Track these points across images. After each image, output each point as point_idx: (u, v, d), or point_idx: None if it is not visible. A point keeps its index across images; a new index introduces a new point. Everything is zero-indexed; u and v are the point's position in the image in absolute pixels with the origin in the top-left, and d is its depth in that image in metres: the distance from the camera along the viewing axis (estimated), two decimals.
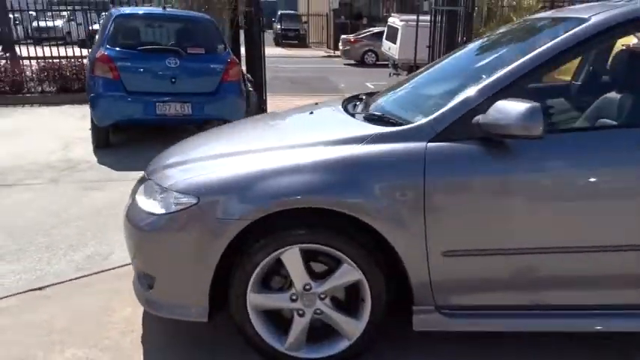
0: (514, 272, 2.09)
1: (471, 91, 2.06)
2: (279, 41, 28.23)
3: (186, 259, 2.13)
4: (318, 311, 2.16)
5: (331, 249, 2.07)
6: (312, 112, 2.73)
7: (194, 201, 2.09)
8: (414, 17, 10.17)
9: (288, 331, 2.18)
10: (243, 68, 9.33)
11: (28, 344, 2.41)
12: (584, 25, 2.07)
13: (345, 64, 19.32)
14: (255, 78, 8.33)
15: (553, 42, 2.06)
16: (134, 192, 2.45)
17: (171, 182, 2.21)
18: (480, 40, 2.98)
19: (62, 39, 15.74)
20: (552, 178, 2.01)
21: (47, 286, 2.96)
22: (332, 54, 24.48)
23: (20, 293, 2.87)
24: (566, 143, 2.03)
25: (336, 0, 25.09)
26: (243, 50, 8.64)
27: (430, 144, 2.01)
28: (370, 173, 2.01)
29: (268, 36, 31.00)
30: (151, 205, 2.23)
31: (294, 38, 28.03)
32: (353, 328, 2.16)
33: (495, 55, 2.55)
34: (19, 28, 20.88)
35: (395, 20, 14.26)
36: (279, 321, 2.23)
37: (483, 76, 2.13)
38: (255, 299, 2.16)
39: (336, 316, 2.16)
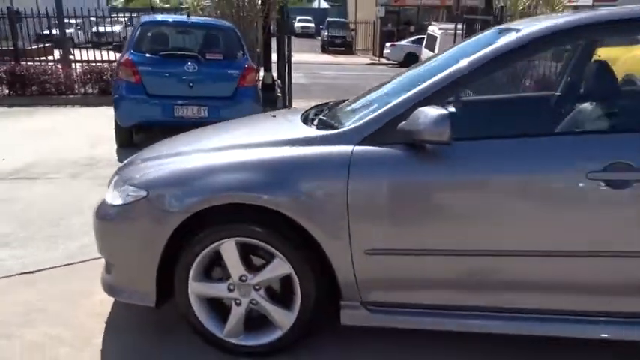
0: (435, 272, 2.18)
1: (398, 100, 2.17)
2: (325, 48, 28.54)
3: (136, 247, 2.33)
4: (253, 301, 2.32)
5: (264, 244, 2.22)
6: (274, 116, 2.90)
7: (144, 194, 2.29)
8: (452, 26, 10.24)
9: (227, 318, 2.34)
10: (274, 74, 9.62)
11: (6, 321, 2.67)
12: (507, 39, 2.15)
13: (388, 67, 19.46)
14: (284, 83, 8.58)
15: (476, 55, 2.14)
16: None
17: (129, 177, 2.43)
18: (446, 51, 3.06)
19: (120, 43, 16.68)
20: (468, 182, 2.09)
21: (38, 270, 3.24)
22: (376, 61, 24.58)
23: (12, 275, 3.16)
24: (484, 150, 2.10)
25: (383, 8, 25.19)
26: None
27: (357, 147, 2.13)
28: (298, 173, 2.15)
29: (316, 43, 31.47)
30: (112, 197, 2.45)
31: (340, 45, 28.29)
32: (285, 318, 2.30)
33: (444, 65, 2.64)
34: (81, 32, 22.19)
35: (434, 29, 14.32)
36: (222, 309, 2.39)
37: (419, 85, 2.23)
38: (196, 287, 2.33)
39: (270, 307, 2.31)
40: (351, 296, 2.25)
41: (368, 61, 24.92)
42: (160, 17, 6.93)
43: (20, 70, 9.45)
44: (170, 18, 6.92)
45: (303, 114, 2.76)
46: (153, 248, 2.27)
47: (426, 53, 14.71)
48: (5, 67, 9.50)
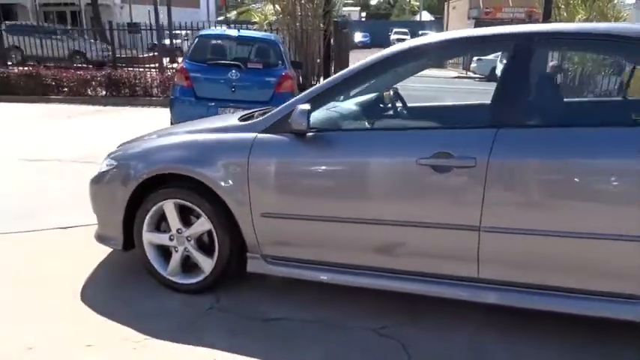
0: (312, 234, 2.77)
1: (290, 101, 2.81)
2: None
3: (109, 204, 3.15)
4: (186, 250, 3.04)
5: (193, 205, 2.94)
6: (233, 112, 3.62)
7: (115, 164, 3.12)
8: None
9: (169, 262, 3.09)
10: None
11: (37, 255, 3.59)
12: (384, 52, 2.72)
13: (475, 81, 19.49)
14: None
15: (348, 68, 2.74)
16: None
17: (111, 153, 3.26)
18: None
19: None
20: (330, 162, 2.68)
21: (71, 227, 4.17)
22: (463, 75, 24.50)
23: (55, 229, 4.10)
24: (343, 138, 2.69)
25: (473, 21, 25.09)
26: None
27: (259, 135, 2.80)
28: (214, 152, 2.86)
29: None
30: (99, 168, 3.29)
31: None
32: (207, 264, 3.00)
33: None
34: (186, 43, 24.44)
35: None
36: (166, 255, 3.14)
37: None
38: (148, 237, 3.10)
39: (197, 255, 3.02)
40: (253, 250, 2.90)
41: (455, 74, 24.91)
42: (214, 31, 7.92)
43: (115, 75, 10.96)
44: (222, 32, 7.88)
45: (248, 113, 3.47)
46: (119, 205, 3.07)
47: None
48: (103, 73, 11.07)
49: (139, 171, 3.01)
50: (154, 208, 3.03)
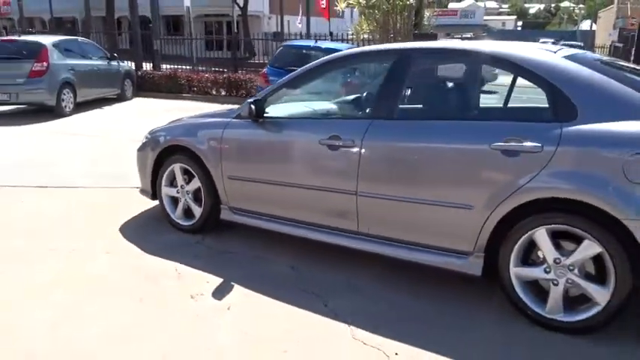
0: (261, 194, 3.81)
1: (252, 98, 3.88)
2: None
3: (144, 165, 4.47)
4: (186, 200, 4.24)
5: (190, 169, 4.13)
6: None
7: (149, 137, 4.44)
8: None
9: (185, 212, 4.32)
10: None
11: (85, 202, 5.07)
12: (313, 62, 3.69)
13: None
14: None
15: (297, 70, 3.74)
16: None
17: (150, 130, 4.59)
18: None
19: None
20: (273, 140, 3.68)
21: (120, 187, 5.62)
22: None
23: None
24: (283, 124, 3.69)
25: (616, 32, 23.67)
26: None
27: (232, 120, 3.92)
28: (203, 130, 4.03)
29: None
30: (142, 139, 4.63)
31: None
32: (197, 212, 4.17)
33: None
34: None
35: None
36: (176, 204, 4.36)
37: None
38: (164, 190, 4.34)
39: (192, 204, 4.20)
40: (224, 203, 4.02)
41: None
42: (295, 42, 9.14)
43: (233, 78, 12.76)
44: (302, 42, 9.08)
45: None
46: (149, 166, 4.38)
47: None
48: (224, 76, 12.95)
49: (159, 143, 4.29)
50: (169, 169, 4.28)
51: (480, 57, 3.23)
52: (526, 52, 3.00)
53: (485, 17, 72.52)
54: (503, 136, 2.82)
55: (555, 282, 2.76)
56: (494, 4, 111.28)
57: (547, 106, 2.85)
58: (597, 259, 2.66)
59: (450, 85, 3.60)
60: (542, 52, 3.01)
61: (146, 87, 13.41)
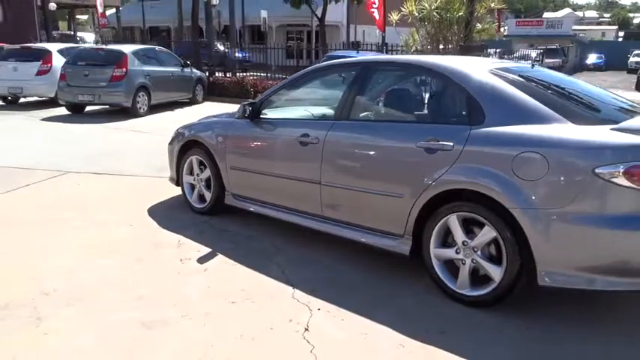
0: (257, 183, 4.49)
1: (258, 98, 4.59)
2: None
3: (171, 156, 5.32)
4: (200, 187, 5.03)
5: (203, 160, 4.91)
6: None
7: (176, 132, 5.28)
8: None
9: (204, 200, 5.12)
10: None
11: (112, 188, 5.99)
12: (300, 72, 4.35)
13: None
14: None
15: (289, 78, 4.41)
16: None
17: (179, 127, 5.44)
18: None
19: None
20: (266, 137, 4.35)
21: (160, 177, 6.51)
22: None
23: (112, 174, 6.50)
24: (274, 123, 4.35)
25: None
26: None
27: (235, 119, 4.66)
28: (213, 129, 4.80)
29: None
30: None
31: None
32: (208, 197, 4.94)
33: None
34: None
35: None
36: (193, 189, 5.16)
37: None
38: (185, 178, 5.16)
39: (204, 190, 4.98)
40: (228, 190, 4.75)
41: None
42: (338, 52, 9.78)
43: None
44: (344, 53, 9.71)
45: None
46: (175, 157, 5.21)
47: None
48: None
49: (182, 138, 5.11)
50: (188, 160, 5.08)
51: (414, 68, 3.76)
52: (453, 65, 3.50)
53: (581, 27, 69.34)
54: (426, 136, 3.34)
55: (463, 261, 3.23)
56: (593, 14, 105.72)
57: (463, 111, 3.34)
58: (496, 243, 3.11)
59: (392, 91, 4.13)
60: (468, 65, 3.49)
61: (216, 92, 14.59)
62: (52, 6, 18.58)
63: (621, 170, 2.69)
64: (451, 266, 3.36)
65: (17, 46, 13.15)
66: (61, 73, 11.35)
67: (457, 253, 3.25)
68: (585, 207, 2.81)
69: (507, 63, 3.87)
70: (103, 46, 12.35)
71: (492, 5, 11.82)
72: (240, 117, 4.58)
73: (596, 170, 2.74)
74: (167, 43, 27.40)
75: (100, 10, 20.28)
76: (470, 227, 3.23)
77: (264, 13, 20.30)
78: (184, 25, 34.19)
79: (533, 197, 2.91)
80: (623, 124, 2.88)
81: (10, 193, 5.70)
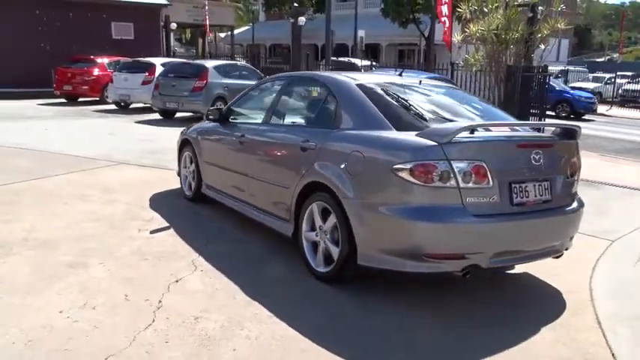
0: (225, 177, 5.39)
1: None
2: None
3: (177, 151, 6.43)
4: (188, 178, 6.06)
5: (192, 156, 5.93)
6: None
7: (180, 132, 6.39)
8: None
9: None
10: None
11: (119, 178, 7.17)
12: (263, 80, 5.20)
13: None
14: None
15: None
16: None
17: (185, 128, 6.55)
18: None
19: None
20: (232, 137, 5.22)
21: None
22: None
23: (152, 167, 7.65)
24: (239, 125, 5.21)
25: None
26: None
27: (207, 123, 5.62)
28: (197, 130, 5.82)
29: None
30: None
31: None
32: (194, 187, 5.95)
33: None
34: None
35: None
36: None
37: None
38: (182, 171, 6.23)
39: (191, 181, 6.01)
40: (203, 180, 5.71)
41: None
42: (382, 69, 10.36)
43: None
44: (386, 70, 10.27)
45: None
46: (179, 150, 6.31)
47: None
48: None
49: (181, 136, 6.19)
50: (184, 155, 6.15)
51: (312, 81, 4.44)
52: (336, 78, 4.17)
53: None
54: (304, 137, 4.04)
55: (319, 243, 3.87)
56: None
57: (332, 117, 3.99)
58: (337, 228, 3.71)
59: (293, 99, 4.80)
60: (343, 78, 4.13)
61: None
62: (173, 25, 21.28)
63: (407, 167, 3.21)
64: (316, 247, 4.00)
65: (130, 60, 15.43)
66: (155, 83, 13.20)
67: (317, 236, 3.89)
68: (387, 199, 3.35)
69: (393, 79, 4.42)
70: (190, 61, 14.08)
71: (559, 26, 11.70)
72: (211, 120, 5.52)
73: (393, 167, 3.28)
74: (287, 58, 29.61)
75: (208, 28, 22.74)
76: (327, 215, 3.85)
77: (361, 33, 21.25)
78: (302, 42, 36.37)
79: (355, 189, 3.50)
80: (425, 130, 3.37)
81: (67, 175, 7.15)
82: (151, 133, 11.19)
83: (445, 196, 3.21)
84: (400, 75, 4.63)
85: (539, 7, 11.90)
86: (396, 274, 3.53)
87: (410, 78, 4.50)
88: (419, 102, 3.93)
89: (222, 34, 40.66)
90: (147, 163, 8.01)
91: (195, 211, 5.64)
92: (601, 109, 24.57)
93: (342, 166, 3.61)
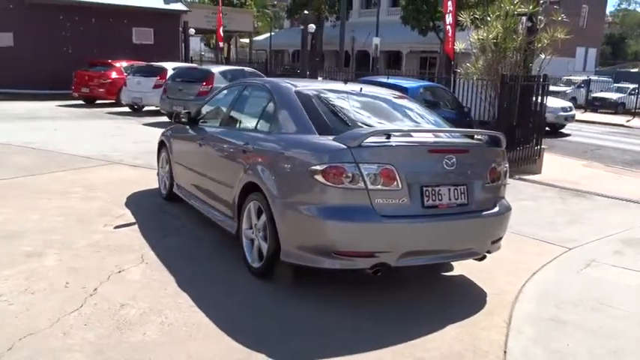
0: (189, 177, 5.66)
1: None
2: None
3: (158, 154, 6.74)
4: (163, 177, 6.35)
5: (167, 156, 6.23)
6: None
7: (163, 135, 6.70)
8: None
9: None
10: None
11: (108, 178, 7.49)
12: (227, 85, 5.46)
13: None
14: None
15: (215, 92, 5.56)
16: None
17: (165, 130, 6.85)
18: None
19: None
20: (198, 138, 5.47)
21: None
22: None
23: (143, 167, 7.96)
24: (204, 129, 5.46)
25: None
26: None
27: (176, 124, 5.89)
28: (171, 131, 6.10)
29: None
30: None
31: None
32: (167, 186, 6.24)
33: None
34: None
35: None
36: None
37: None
38: (160, 169, 6.54)
39: (166, 180, 6.29)
40: (175, 182, 5.99)
41: None
42: (371, 77, 10.51)
43: None
44: (376, 79, 10.43)
45: None
46: (158, 151, 6.61)
47: None
48: None
49: (160, 138, 6.49)
50: (161, 156, 6.44)
51: (261, 88, 4.64)
52: (280, 85, 4.39)
53: None
54: (246, 140, 4.27)
55: (254, 240, 4.08)
56: None
57: (271, 120, 4.21)
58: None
59: (243, 104, 5.00)
60: (284, 85, 4.35)
61: None
62: (192, 31, 21.92)
63: (320, 169, 3.41)
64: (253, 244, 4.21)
65: (143, 64, 15.94)
66: (164, 87, 13.62)
67: (252, 233, 4.11)
68: (304, 198, 3.55)
69: (334, 86, 4.62)
70: (197, 66, 14.47)
71: (558, 35, 11.69)
72: (182, 123, 5.79)
73: (309, 169, 3.48)
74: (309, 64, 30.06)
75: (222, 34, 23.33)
76: (261, 214, 4.06)
77: (376, 40, 21.44)
78: (326, 49, 36.68)
79: (279, 190, 3.71)
80: (340, 135, 3.56)
81: (59, 172, 7.53)
82: (154, 135, 11.46)
83: (354, 197, 3.40)
84: (345, 83, 4.81)
85: (540, 17, 11.91)
86: (325, 270, 3.72)
87: (352, 85, 4.67)
88: (350, 109, 4.11)
89: (246, 40, 41.30)
90: (139, 164, 8.35)
91: (165, 210, 5.92)
92: (621, 119, 24.19)
93: (271, 167, 3.82)
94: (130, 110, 16.02)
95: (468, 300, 3.95)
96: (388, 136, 3.56)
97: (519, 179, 9.17)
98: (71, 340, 3.01)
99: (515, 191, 8.05)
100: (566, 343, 3.33)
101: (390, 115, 4.25)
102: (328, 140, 3.58)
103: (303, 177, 3.54)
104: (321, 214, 3.44)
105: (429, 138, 3.87)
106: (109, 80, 16.81)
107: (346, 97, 4.32)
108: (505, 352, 3.16)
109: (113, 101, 16.98)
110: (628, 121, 23.99)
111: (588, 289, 4.28)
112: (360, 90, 4.53)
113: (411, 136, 3.79)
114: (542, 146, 11.12)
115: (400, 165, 3.44)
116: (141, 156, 8.95)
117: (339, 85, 4.70)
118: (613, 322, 3.69)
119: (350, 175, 3.36)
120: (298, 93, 4.20)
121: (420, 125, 4.19)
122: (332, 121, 3.91)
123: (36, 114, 14.33)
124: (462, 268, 4.47)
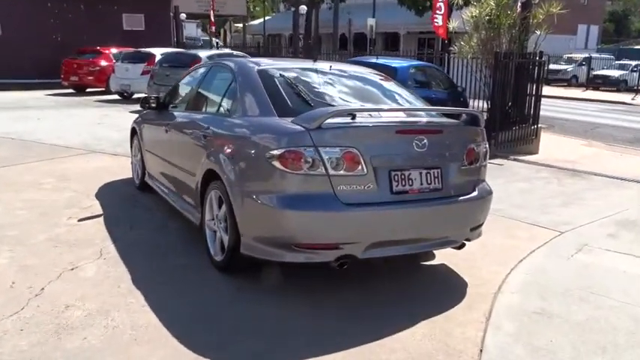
0: (158, 165, 5.36)
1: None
2: None
3: (131, 141, 6.44)
4: (135, 164, 6.06)
5: (138, 142, 5.93)
6: None
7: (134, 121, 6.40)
8: None
9: None
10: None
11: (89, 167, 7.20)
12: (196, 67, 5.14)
13: None
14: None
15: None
16: None
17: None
18: None
19: None
20: (162, 124, 5.17)
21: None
22: None
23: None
24: (171, 114, 5.14)
25: None
26: None
27: (147, 110, 5.58)
28: (142, 117, 5.79)
29: None
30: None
31: None
32: (140, 176, 5.95)
33: None
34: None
35: None
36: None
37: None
38: (132, 157, 6.24)
39: (139, 169, 6.00)
40: (146, 170, 5.70)
41: None
42: (359, 58, 10.15)
43: None
44: (365, 59, 10.06)
45: None
46: (130, 139, 6.32)
47: None
48: None
49: (132, 125, 6.19)
50: (134, 143, 6.14)
51: (225, 68, 4.31)
52: (241, 63, 4.08)
53: None
54: (207, 124, 3.96)
55: (216, 232, 3.79)
56: None
57: (232, 102, 3.90)
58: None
59: (205, 87, 4.68)
60: (248, 64, 4.04)
61: None
62: (183, 16, 21.46)
63: (277, 154, 3.10)
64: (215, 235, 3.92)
65: (131, 50, 15.57)
66: (150, 73, 13.27)
67: (214, 224, 3.82)
68: (262, 186, 3.26)
69: (302, 64, 4.29)
70: (184, 51, 14.10)
71: (553, 10, 11.28)
72: (151, 108, 5.48)
73: (266, 155, 3.17)
74: (305, 47, 29.51)
75: (213, 19, 22.85)
76: (222, 203, 3.76)
77: (371, 21, 20.94)
78: (322, 32, 36.13)
79: (237, 177, 3.42)
80: (299, 116, 3.25)
81: (35, 163, 7.26)
82: None
83: (315, 184, 3.10)
84: (314, 61, 4.46)
85: None
86: (288, 264, 3.44)
87: (321, 64, 4.33)
88: (316, 89, 3.79)
89: (240, 25, 40.71)
90: (119, 152, 8.05)
91: (136, 200, 5.64)
92: (625, 97, 23.71)
93: (229, 153, 3.52)
94: (119, 98, 15.69)
95: (446, 292, 3.66)
96: (353, 117, 3.25)
97: (514, 160, 8.85)
98: (0, 349, 2.74)
99: (509, 173, 7.77)
100: (550, 339, 3.05)
101: (361, 95, 3.93)
102: (287, 123, 3.27)
103: (261, 163, 3.23)
104: (279, 203, 3.14)
105: (398, 118, 3.55)
106: (98, 68, 16.46)
107: (313, 76, 3.99)
108: (481, 350, 2.88)
109: (103, 89, 16.63)
110: (633, 99, 23.48)
111: (578, 277, 3.99)
112: (330, 68, 4.20)
113: (380, 116, 3.48)
114: (540, 125, 10.76)
115: (365, 148, 3.13)
116: (122, 144, 8.60)
117: (307, 64, 4.37)
118: (603, 313, 3.41)
119: (309, 160, 3.06)
120: (260, 72, 3.88)
121: (392, 105, 3.87)
122: (294, 102, 3.58)
123: (22, 104, 14.03)
124: (443, 256, 4.19)
